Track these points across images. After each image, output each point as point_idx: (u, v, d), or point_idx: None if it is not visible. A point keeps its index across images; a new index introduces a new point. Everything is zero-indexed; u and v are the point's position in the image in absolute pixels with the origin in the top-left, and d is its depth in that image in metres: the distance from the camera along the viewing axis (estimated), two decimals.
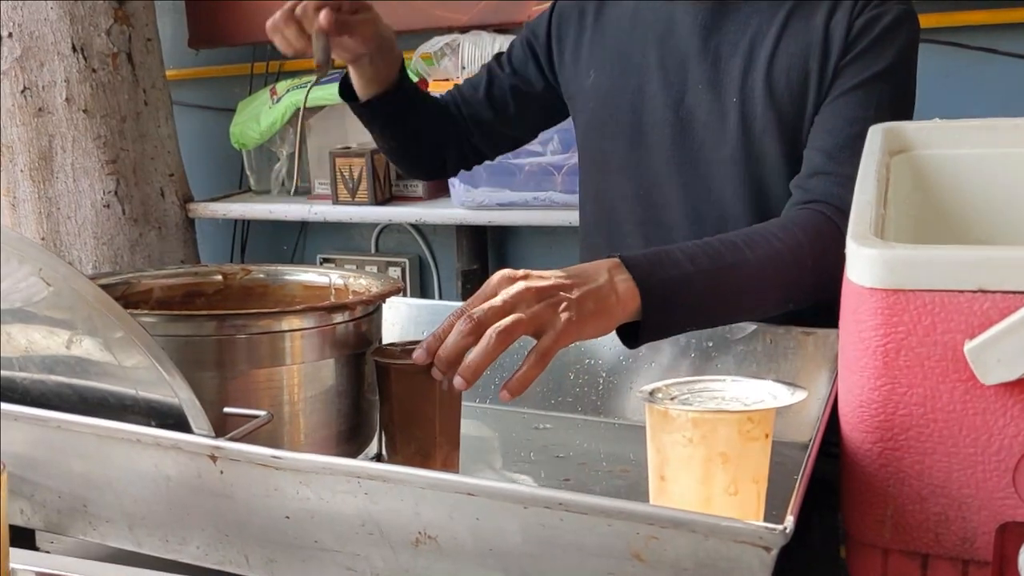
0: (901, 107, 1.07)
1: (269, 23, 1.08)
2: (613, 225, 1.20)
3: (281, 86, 2.28)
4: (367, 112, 1.25)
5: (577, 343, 1.02)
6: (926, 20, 1.90)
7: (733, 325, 0.98)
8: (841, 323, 0.67)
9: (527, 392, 1.04)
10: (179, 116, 2.42)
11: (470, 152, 1.34)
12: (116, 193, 2.15)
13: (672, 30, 1.14)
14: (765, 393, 0.63)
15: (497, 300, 0.77)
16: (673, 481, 0.60)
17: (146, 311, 0.78)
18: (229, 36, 2.42)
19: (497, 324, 0.75)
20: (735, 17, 1.11)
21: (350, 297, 0.95)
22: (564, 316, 0.77)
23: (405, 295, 2.45)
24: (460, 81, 1.96)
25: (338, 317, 0.80)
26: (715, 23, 1.11)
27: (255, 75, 2.51)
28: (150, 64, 2.21)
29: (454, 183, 2.05)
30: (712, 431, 0.58)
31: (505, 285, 0.79)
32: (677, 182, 1.13)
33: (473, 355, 0.75)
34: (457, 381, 0.76)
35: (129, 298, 0.93)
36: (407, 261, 2.44)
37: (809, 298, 0.96)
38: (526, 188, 1.94)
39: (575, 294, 0.79)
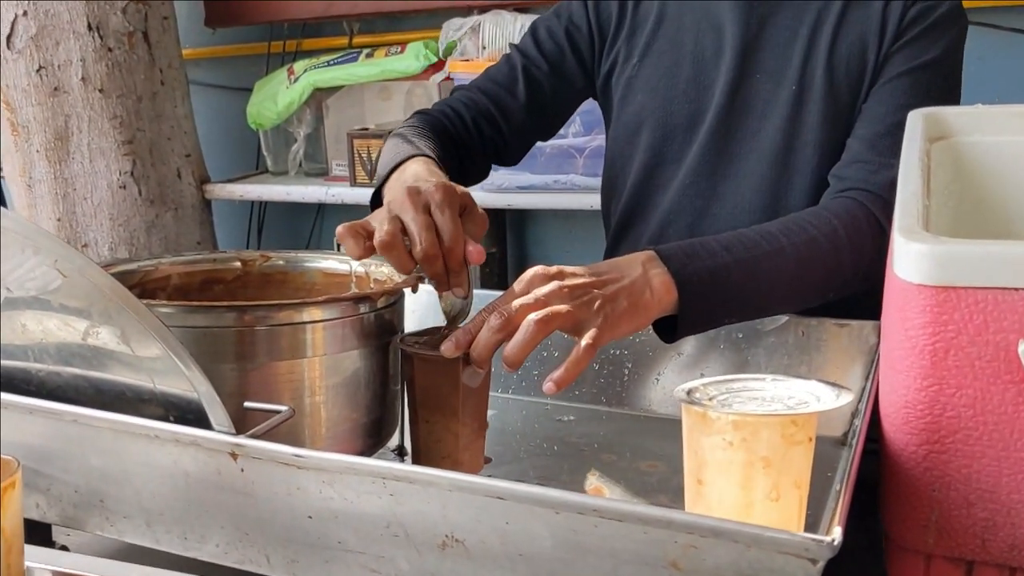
0: (948, 99, 1.05)
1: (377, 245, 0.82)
2: (655, 217, 1.17)
3: (298, 66, 2.25)
4: None
5: None
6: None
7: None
8: (884, 319, 0.65)
9: None
10: (195, 96, 2.40)
11: (498, 163, 1.25)
12: (132, 174, 2.13)
13: (726, 19, 1.11)
14: (808, 394, 0.61)
15: (529, 298, 0.76)
16: (711, 485, 0.57)
17: (164, 301, 0.76)
18: (246, 15, 2.39)
19: (535, 313, 0.74)
20: (792, 4, 1.09)
21: (371, 285, 0.93)
22: (599, 314, 0.76)
23: (422, 279, 2.43)
24: (480, 61, 1.95)
25: (360, 308, 0.78)
26: (772, 11, 1.09)
27: (272, 54, 2.48)
28: (166, 43, 2.18)
29: None
30: (754, 434, 0.55)
31: (537, 283, 0.77)
32: (727, 172, 1.11)
33: (512, 344, 0.74)
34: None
35: (146, 285, 0.91)
36: None
37: (846, 288, 0.94)
38: (547, 171, 1.91)
39: (608, 291, 0.78)
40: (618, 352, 1.01)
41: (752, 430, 0.55)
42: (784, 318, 0.96)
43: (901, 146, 0.98)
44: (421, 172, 0.94)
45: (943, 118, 0.86)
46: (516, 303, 0.75)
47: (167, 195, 2.20)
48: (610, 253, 1.24)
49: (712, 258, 0.84)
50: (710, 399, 0.60)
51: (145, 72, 2.13)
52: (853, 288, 0.95)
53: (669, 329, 0.84)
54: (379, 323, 0.81)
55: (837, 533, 0.47)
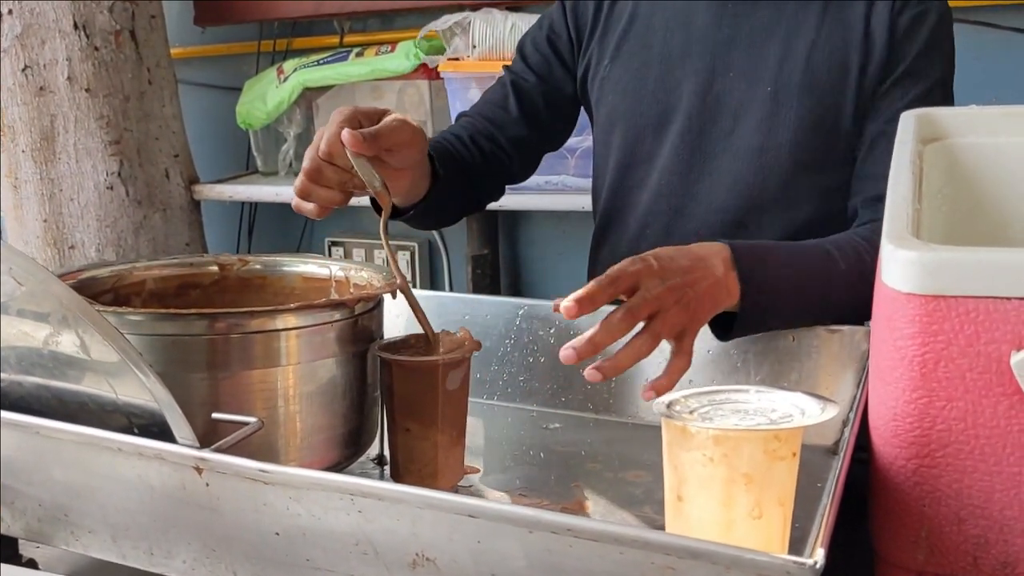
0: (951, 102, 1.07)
1: (297, 192, 0.90)
2: (633, 218, 1.15)
3: (288, 65, 2.23)
4: (415, 219, 1.07)
5: None
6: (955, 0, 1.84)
7: None
8: (874, 328, 0.63)
9: (535, 389, 1.02)
10: (184, 95, 2.37)
11: (508, 180, 1.24)
12: (119, 175, 2.11)
13: (697, 15, 1.10)
14: (792, 407, 0.59)
15: (640, 300, 0.79)
16: (691, 502, 0.55)
17: (132, 309, 0.73)
18: (236, 13, 2.37)
19: (650, 329, 0.79)
20: (768, 3, 1.07)
21: (351, 290, 0.91)
22: (693, 319, 0.82)
23: (414, 280, 2.41)
24: (471, 61, 1.93)
25: (336, 315, 0.76)
26: (746, 10, 1.07)
27: (262, 53, 2.46)
28: (154, 42, 2.16)
29: None
30: (735, 450, 0.53)
31: (646, 278, 0.80)
32: (701, 171, 1.09)
33: (623, 355, 0.79)
34: (592, 373, 0.78)
35: (120, 291, 0.89)
36: (416, 245, 2.40)
37: None
38: (538, 172, 1.87)
39: (699, 289, 0.82)
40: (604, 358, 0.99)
41: (733, 445, 0.53)
42: None
43: None
44: None
45: (936, 119, 0.83)
46: (637, 302, 0.78)
47: (155, 196, 2.18)
48: (593, 253, 1.23)
49: (776, 268, 0.88)
50: (691, 412, 0.58)
51: (132, 71, 2.10)
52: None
53: (722, 325, 0.90)
54: (356, 330, 0.79)
55: (820, 556, 0.45)
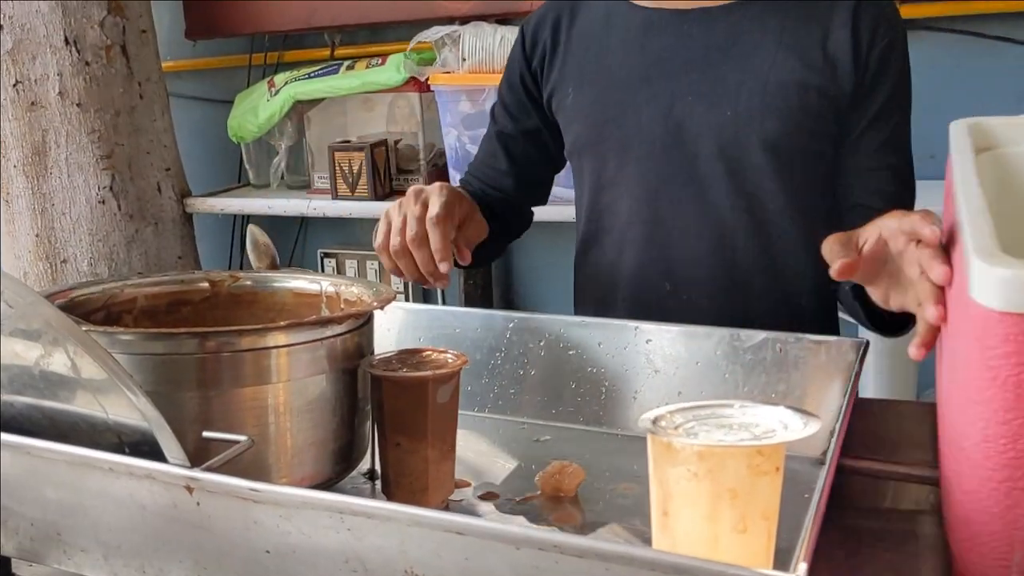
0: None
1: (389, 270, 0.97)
2: (610, 240, 1.16)
3: (279, 78, 2.24)
4: (475, 265, 1.12)
5: (576, 349, 1.00)
6: (941, 8, 1.86)
7: (741, 333, 0.95)
8: (954, 345, 0.61)
9: (526, 401, 1.02)
10: (176, 108, 2.38)
11: (530, 208, 1.31)
12: (111, 189, 2.12)
13: (653, 38, 1.09)
14: (776, 422, 0.59)
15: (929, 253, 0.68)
16: (677, 517, 0.56)
17: (121, 329, 0.74)
18: (227, 27, 2.38)
19: (923, 247, 0.69)
20: (724, 24, 1.06)
21: (342, 306, 0.91)
22: None
23: (406, 292, 2.41)
24: (461, 74, 1.94)
25: (326, 332, 0.76)
26: (702, 30, 1.07)
27: (253, 66, 2.47)
28: (145, 56, 2.16)
29: (455, 177, 2.01)
30: (719, 465, 0.54)
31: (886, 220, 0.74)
32: (674, 195, 1.09)
33: (926, 287, 0.68)
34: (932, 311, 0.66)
35: (111, 308, 0.89)
36: None
37: None
38: None
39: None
40: (595, 371, 1.00)
41: (718, 461, 0.54)
42: (762, 335, 0.94)
43: (912, 183, 1.05)
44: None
45: (988, 128, 0.82)
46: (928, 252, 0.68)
47: (147, 210, 2.18)
48: (577, 269, 1.23)
49: None
50: (676, 427, 0.59)
51: (123, 86, 2.11)
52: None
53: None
54: (346, 346, 0.79)
55: (803, 570, 0.46)
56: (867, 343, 0.92)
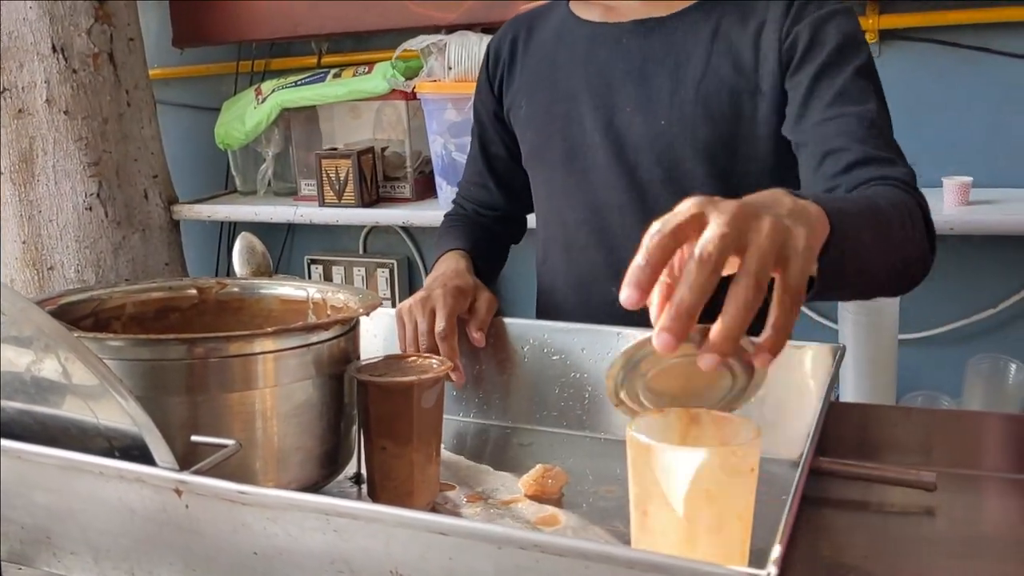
0: (883, 98, 1.02)
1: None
2: (567, 248, 1.19)
3: (266, 86, 2.25)
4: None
5: (560, 354, 1.01)
6: (920, 19, 1.89)
7: None
8: None
9: (510, 406, 1.04)
10: (163, 115, 2.39)
11: (524, 216, 1.37)
12: (98, 196, 2.12)
13: (595, 52, 1.12)
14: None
15: (717, 234, 0.57)
16: (655, 517, 0.57)
17: (111, 335, 0.75)
18: (214, 35, 2.39)
19: (744, 267, 0.57)
20: (659, 35, 1.08)
21: (328, 312, 0.92)
22: (790, 237, 0.59)
23: (393, 296, 2.43)
24: (447, 83, 1.95)
25: (312, 338, 0.78)
26: (639, 42, 1.09)
27: (240, 74, 2.48)
28: (132, 64, 2.17)
29: (441, 185, 2.03)
30: (696, 466, 0.55)
31: (711, 212, 0.59)
32: (620, 204, 1.11)
33: (730, 315, 0.56)
34: (708, 360, 0.57)
35: (100, 315, 0.90)
36: (395, 262, 2.41)
37: (912, 265, 0.86)
38: None
39: (782, 210, 0.62)
40: (578, 376, 1.01)
41: (694, 462, 0.56)
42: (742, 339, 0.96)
43: (890, 139, 0.95)
44: (449, 269, 1.11)
45: None
46: (706, 240, 0.57)
47: (134, 216, 2.19)
48: (539, 276, 1.26)
49: (843, 201, 0.77)
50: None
51: (111, 93, 2.12)
52: (915, 275, 0.88)
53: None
54: (332, 352, 0.80)
55: (773, 570, 0.47)
56: (843, 348, 0.94)
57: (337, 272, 2.47)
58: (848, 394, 1.77)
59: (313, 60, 2.39)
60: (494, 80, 1.24)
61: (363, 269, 2.43)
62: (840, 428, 0.95)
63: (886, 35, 1.92)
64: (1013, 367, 1.78)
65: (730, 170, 1.07)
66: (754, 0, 1.05)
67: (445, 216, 1.34)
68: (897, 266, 0.84)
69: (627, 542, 0.68)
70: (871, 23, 1.90)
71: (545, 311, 1.25)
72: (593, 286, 1.16)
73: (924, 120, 1.86)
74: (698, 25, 1.07)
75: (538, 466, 0.87)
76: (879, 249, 0.78)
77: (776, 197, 0.64)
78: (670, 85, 1.06)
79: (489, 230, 1.30)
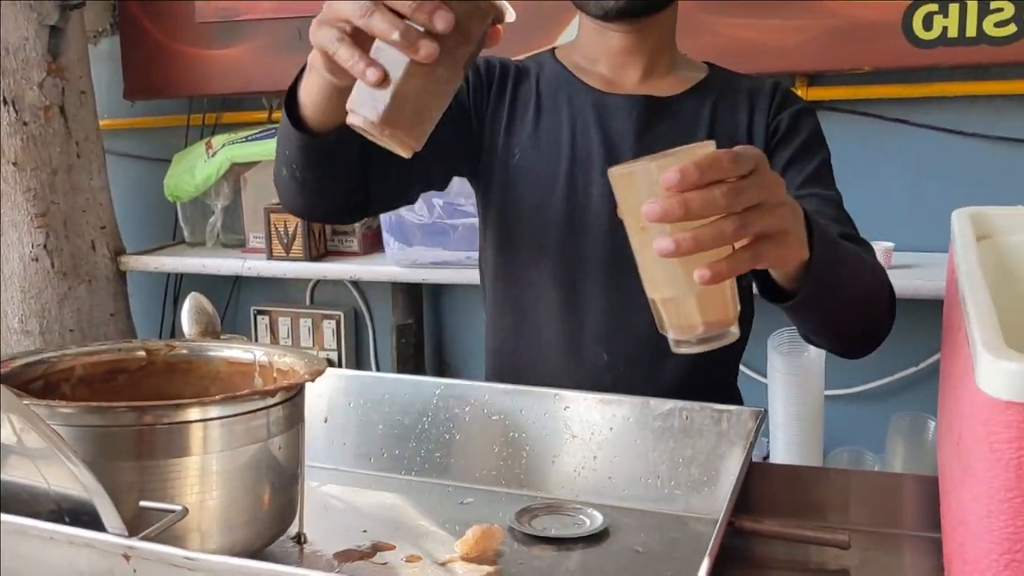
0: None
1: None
2: (526, 309, 1.19)
3: (217, 140, 2.28)
4: (332, 143, 0.97)
5: (501, 416, 1.05)
6: (847, 92, 2.00)
7: (650, 401, 1.01)
8: (962, 428, 0.66)
9: (452, 465, 1.07)
10: (113, 165, 2.40)
11: (388, 193, 1.13)
12: (45, 246, 2.12)
13: (607, 120, 1.15)
14: None
15: (756, 183, 0.70)
16: (649, 230, 0.68)
17: (62, 403, 0.77)
18: (166, 89, 2.42)
19: (743, 217, 0.69)
20: (666, 114, 1.15)
21: (275, 375, 0.95)
22: (786, 232, 0.75)
23: (339, 348, 2.45)
24: None
25: (259, 404, 0.81)
26: (648, 119, 1.15)
27: (191, 126, 2.50)
28: (83, 116, 2.19)
29: (389, 241, 2.07)
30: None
31: (762, 168, 0.71)
32: (606, 273, 1.14)
33: (728, 265, 0.69)
34: (705, 273, 0.68)
35: (50, 378, 0.92)
36: (342, 314, 2.44)
37: (876, 326, 1.04)
38: (459, 247, 1.96)
39: (797, 215, 0.79)
40: (516, 435, 1.05)
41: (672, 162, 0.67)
42: (670, 404, 1.01)
43: (854, 226, 1.11)
44: None
45: (987, 218, 0.90)
46: (744, 184, 0.69)
47: (80, 267, 2.19)
48: (487, 344, 1.27)
49: (835, 238, 0.91)
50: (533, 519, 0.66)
51: (61, 146, 2.13)
52: (876, 334, 1.06)
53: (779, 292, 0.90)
54: (278, 416, 0.83)
55: None
56: (764, 412, 0.99)
57: (284, 323, 2.48)
58: (778, 448, 1.84)
59: (264, 115, 2.43)
60: (475, 89, 1.16)
61: (310, 320, 2.46)
62: (765, 488, 1.00)
63: (814, 106, 2.03)
64: (932, 424, 1.86)
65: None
66: (740, 89, 1.17)
67: None
68: (865, 313, 1.00)
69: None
70: (800, 94, 2.00)
71: (502, 370, 1.24)
72: (585, 347, 1.17)
73: (850, 186, 1.94)
74: (698, 108, 1.16)
75: (475, 526, 0.90)
76: (855, 283, 0.95)
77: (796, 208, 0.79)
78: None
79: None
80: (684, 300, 0.72)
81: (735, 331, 0.74)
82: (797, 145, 1.14)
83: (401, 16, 0.69)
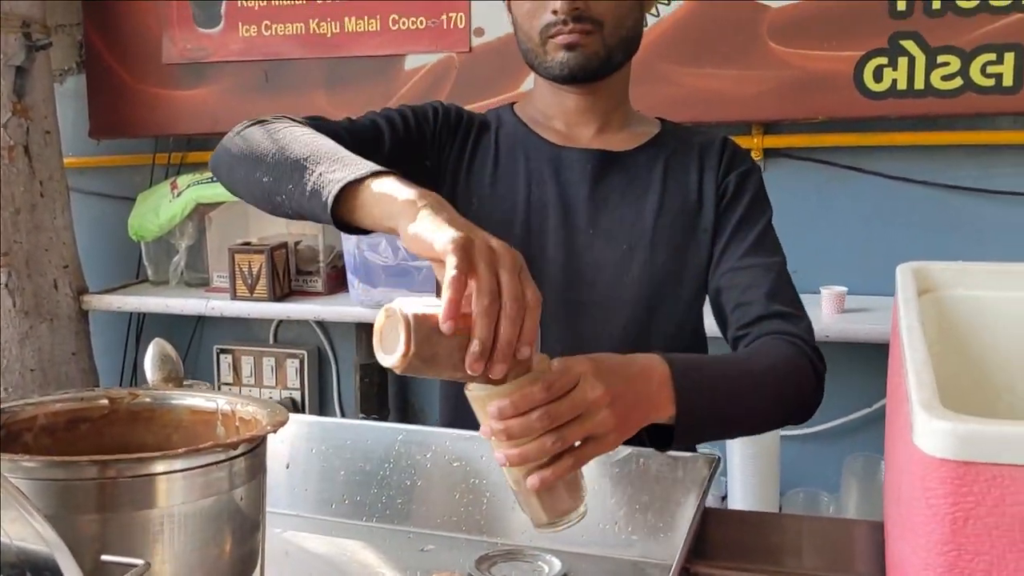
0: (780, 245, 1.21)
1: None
2: None
3: (182, 180, 2.28)
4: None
5: (462, 462, 1.07)
6: (801, 140, 2.06)
7: None
8: (901, 485, 0.69)
9: (412, 511, 1.08)
10: (77, 203, 2.40)
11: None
12: (7, 285, 2.11)
13: (562, 172, 1.19)
14: None
15: (572, 408, 0.81)
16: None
17: (24, 456, 0.78)
18: (131, 128, 2.42)
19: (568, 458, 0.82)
20: (619, 168, 1.19)
21: (237, 424, 0.96)
22: (624, 423, 0.85)
23: (303, 387, 2.44)
24: None
25: (221, 456, 0.82)
26: (601, 171, 1.18)
27: (156, 165, 2.51)
28: (48, 156, 2.19)
29: (353, 282, 2.08)
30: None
31: (589, 377, 0.83)
32: (561, 322, 1.17)
33: (553, 472, 0.81)
34: (534, 481, 0.81)
35: (11, 427, 0.92)
36: (305, 353, 2.44)
37: (789, 418, 1.07)
38: (424, 288, 1.98)
39: (639, 396, 0.88)
40: (477, 482, 1.06)
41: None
42: (627, 450, 1.03)
43: (793, 294, 1.14)
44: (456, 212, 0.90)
45: (929, 272, 0.93)
46: (563, 410, 0.81)
47: (42, 306, 2.18)
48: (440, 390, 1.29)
49: (712, 381, 0.96)
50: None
51: (24, 185, 2.13)
52: (795, 419, 1.07)
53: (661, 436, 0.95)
54: (241, 468, 0.84)
55: None
56: (719, 459, 1.02)
57: (247, 362, 2.48)
58: (735, 489, 1.86)
59: None
60: (437, 125, 1.19)
61: (273, 359, 2.45)
62: (721, 533, 1.02)
63: (770, 153, 2.08)
64: (883, 465, 1.89)
65: (666, 294, 1.17)
66: (691, 145, 1.20)
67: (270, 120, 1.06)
68: (771, 415, 1.04)
69: None
70: (756, 142, 2.05)
71: (468, 414, 1.27)
72: None
73: (804, 232, 2.01)
74: (652, 163, 1.19)
75: (434, 574, 0.91)
76: (742, 409, 1.00)
77: (651, 378, 0.89)
78: (632, 215, 1.17)
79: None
80: (528, 498, 0.84)
81: (582, 510, 0.86)
82: (743, 208, 1.17)
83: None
